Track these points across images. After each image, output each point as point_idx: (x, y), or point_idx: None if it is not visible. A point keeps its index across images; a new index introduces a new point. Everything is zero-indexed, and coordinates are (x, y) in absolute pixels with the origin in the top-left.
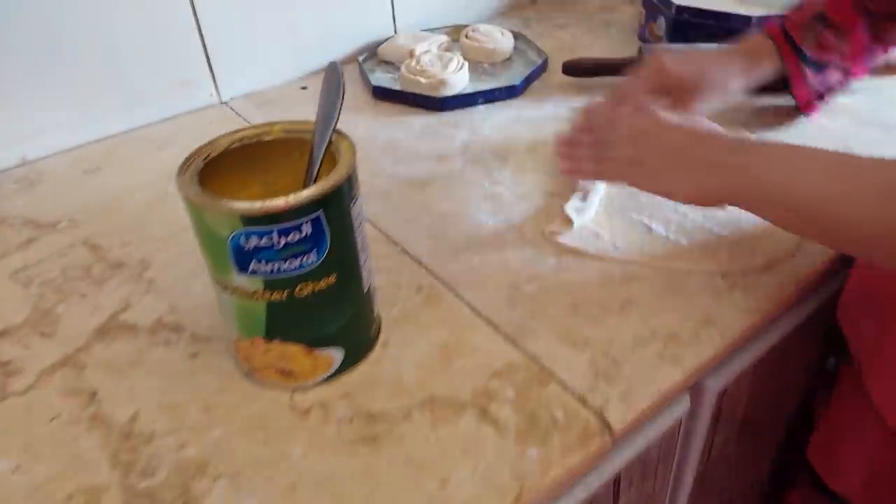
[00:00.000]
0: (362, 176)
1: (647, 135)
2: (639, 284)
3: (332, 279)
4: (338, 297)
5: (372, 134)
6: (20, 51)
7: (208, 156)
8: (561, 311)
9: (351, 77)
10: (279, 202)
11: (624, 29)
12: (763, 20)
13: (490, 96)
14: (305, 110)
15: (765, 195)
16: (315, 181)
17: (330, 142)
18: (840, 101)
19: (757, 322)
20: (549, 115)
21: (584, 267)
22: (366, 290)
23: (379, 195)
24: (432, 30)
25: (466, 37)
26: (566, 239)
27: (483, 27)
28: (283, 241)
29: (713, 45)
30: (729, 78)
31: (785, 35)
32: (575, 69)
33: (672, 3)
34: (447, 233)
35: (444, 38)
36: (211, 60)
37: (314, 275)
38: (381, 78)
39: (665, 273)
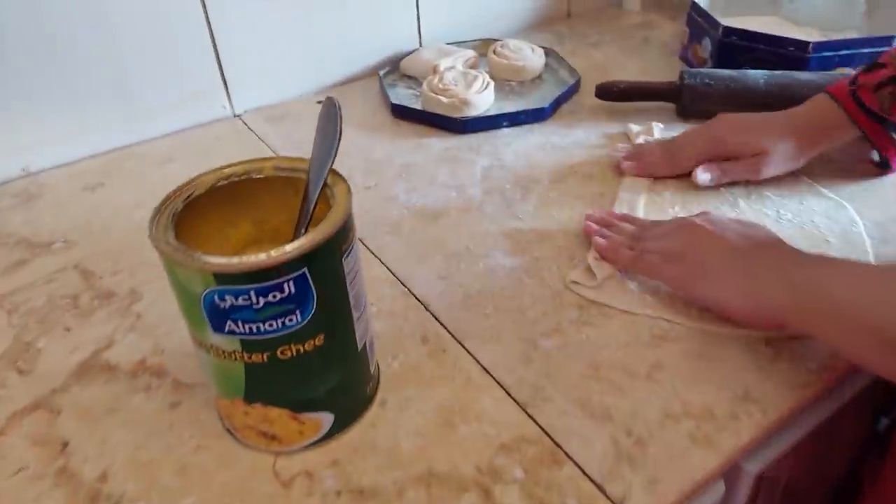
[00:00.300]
0: (373, 203)
1: (698, 230)
2: (669, 347)
3: (319, 340)
4: (326, 359)
5: (388, 156)
6: (22, 58)
7: (190, 196)
8: (581, 373)
9: (371, 92)
10: (258, 259)
11: (664, 49)
12: (821, 46)
13: (515, 119)
14: None
15: (835, 314)
16: (308, 226)
17: (325, 184)
18: None
19: (805, 399)
20: (578, 141)
21: (608, 322)
22: (360, 347)
23: (389, 226)
24: (459, 43)
25: (494, 52)
26: (590, 291)
27: (513, 43)
28: (262, 301)
29: (773, 113)
30: (795, 153)
31: (857, 102)
32: (608, 92)
33: (719, 24)
34: (460, 274)
35: (470, 54)
36: (224, 71)
37: (298, 336)
38: (402, 94)
39: (700, 334)
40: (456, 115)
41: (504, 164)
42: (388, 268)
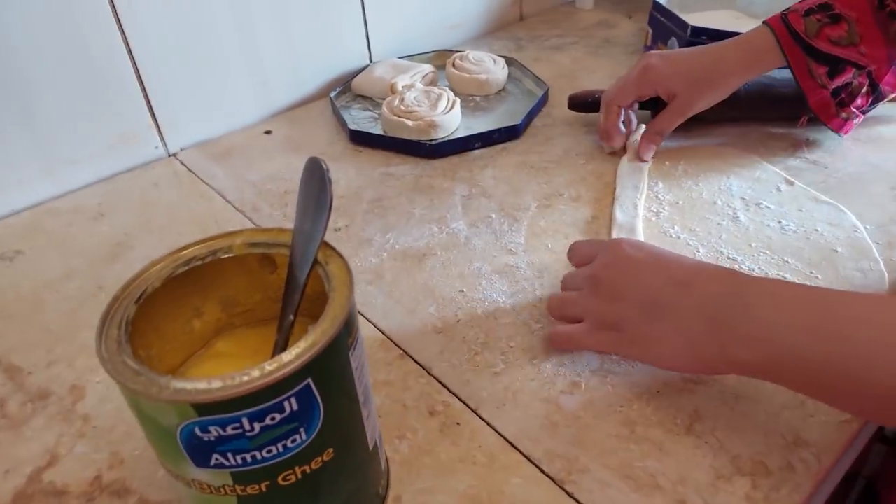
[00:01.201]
0: (348, 249)
1: (604, 282)
2: (704, 391)
3: (328, 455)
4: (336, 474)
5: (355, 190)
6: None
7: (143, 294)
8: (614, 434)
9: (323, 117)
10: (250, 379)
11: (627, 48)
12: None
13: (488, 139)
14: (271, 161)
15: (782, 363)
16: (296, 314)
17: (315, 260)
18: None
19: (852, 434)
20: (557, 159)
21: (632, 368)
22: (371, 447)
23: (370, 275)
24: (412, 57)
25: (454, 66)
26: None
27: (473, 54)
28: (257, 427)
29: (704, 48)
30: (726, 75)
31: (786, 25)
32: (582, 104)
33: (687, 25)
34: (459, 325)
35: (428, 69)
36: (154, 107)
37: (303, 457)
38: (359, 117)
39: None
40: (424, 138)
41: (485, 191)
42: (376, 326)
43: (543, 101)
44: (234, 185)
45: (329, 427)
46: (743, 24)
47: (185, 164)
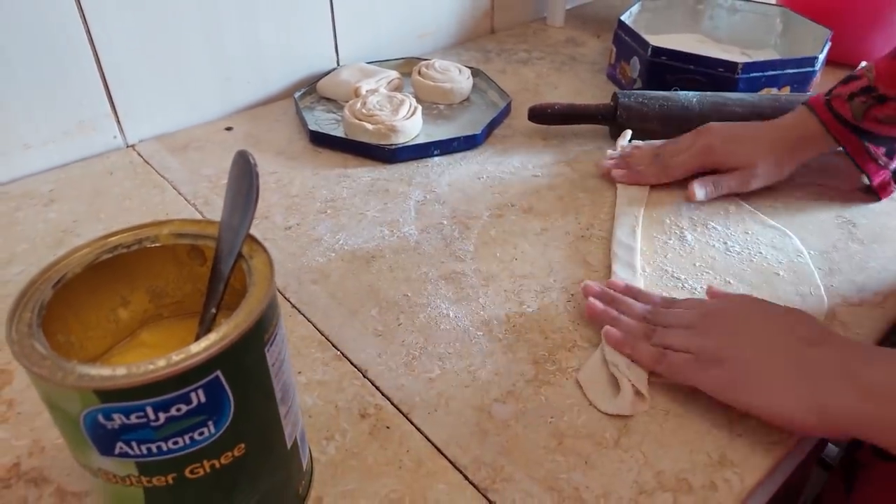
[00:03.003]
0: (296, 247)
1: (728, 320)
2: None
3: (239, 450)
4: (249, 470)
5: (310, 190)
6: None
7: (61, 279)
8: (542, 445)
9: (286, 117)
10: (154, 368)
11: (592, 67)
12: (750, 67)
13: (447, 147)
14: (228, 156)
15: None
16: (219, 307)
17: (240, 255)
18: None
19: (780, 458)
20: (514, 170)
21: (567, 379)
22: (290, 445)
23: (315, 274)
24: (380, 63)
25: (420, 74)
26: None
27: (439, 63)
28: (162, 417)
29: (757, 123)
30: (780, 163)
31: (831, 111)
32: (543, 116)
33: (648, 45)
34: (400, 329)
35: (393, 75)
36: (113, 97)
37: (212, 450)
38: (321, 119)
39: (665, 387)
40: (383, 142)
41: (439, 197)
42: (315, 326)
43: (505, 112)
44: (189, 178)
45: (241, 422)
46: (707, 47)
47: (141, 156)
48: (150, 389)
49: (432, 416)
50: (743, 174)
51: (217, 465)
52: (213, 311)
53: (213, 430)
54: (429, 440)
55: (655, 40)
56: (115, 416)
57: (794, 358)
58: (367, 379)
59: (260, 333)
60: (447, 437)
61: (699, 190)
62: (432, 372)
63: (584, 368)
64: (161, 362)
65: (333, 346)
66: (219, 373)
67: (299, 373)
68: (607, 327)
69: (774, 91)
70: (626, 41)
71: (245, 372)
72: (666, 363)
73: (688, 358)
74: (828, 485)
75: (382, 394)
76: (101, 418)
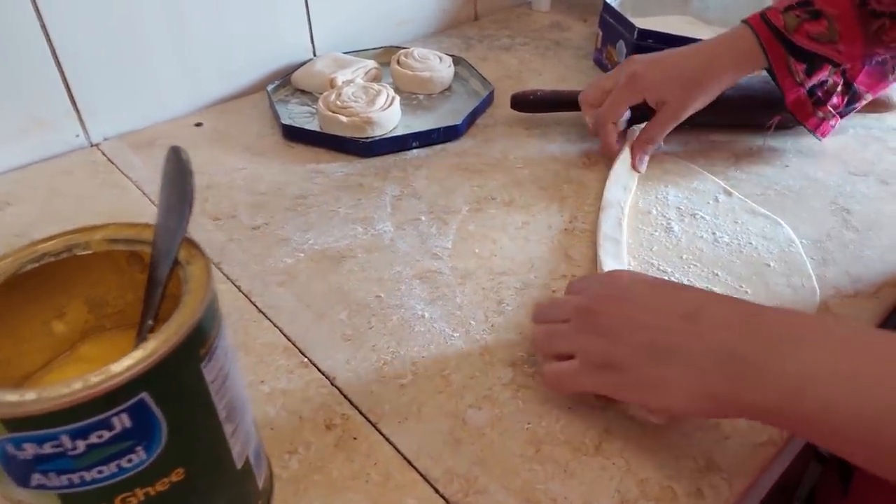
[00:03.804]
0: (262, 247)
1: (601, 317)
2: (618, 407)
3: (177, 475)
4: (193, 495)
5: (280, 187)
6: None
7: None
8: (518, 454)
9: (259, 111)
10: (68, 391)
11: (578, 52)
12: None
13: (426, 139)
14: (195, 154)
15: (803, 410)
16: (157, 319)
17: (176, 261)
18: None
19: (768, 459)
20: (495, 162)
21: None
22: (241, 465)
23: (282, 276)
24: (358, 52)
25: (398, 63)
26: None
27: (418, 51)
28: (81, 445)
29: (683, 47)
30: (716, 78)
31: (766, 22)
32: (523, 102)
33: (634, 27)
34: (370, 333)
35: (371, 65)
36: (73, 93)
37: (146, 477)
38: (296, 112)
39: None
40: (358, 135)
41: (416, 192)
42: (281, 331)
43: (488, 101)
44: (153, 177)
45: (177, 445)
46: (697, 29)
47: (105, 154)
48: (65, 416)
49: (403, 424)
50: (671, 106)
51: (153, 493)
52: (151, 322)
53: (143, 455)
54: (398, 451)
55: (643, 23)
56: (27, 445)
57: (672, 348)
58: (335, 387)
59: (194, 348)
60: (418, 447)
61: (640, 163)
62: (404, 377)
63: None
64: (77, 384)
65: (300, 352)
66: (145, 395)
67: (262, 382)
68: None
69: (764, 74)
70: (611, 24)
71: (178, 391)
72: (561, 382)
73: (577, 368)
74: (823, 478)
75: (350, 402)
76: (11, 449)
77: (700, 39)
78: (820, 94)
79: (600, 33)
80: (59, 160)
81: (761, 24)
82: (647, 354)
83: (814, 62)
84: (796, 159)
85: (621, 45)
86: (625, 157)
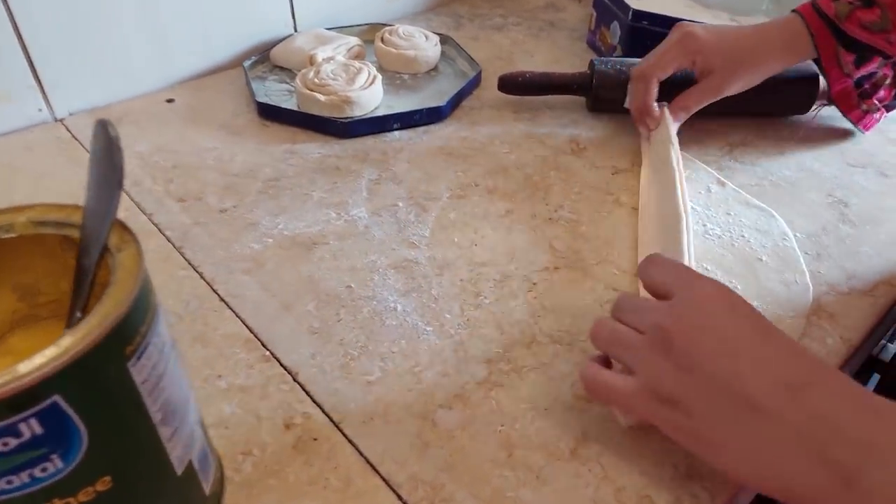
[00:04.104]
0: (229, 232)
1: (691, 350)
2: (596, 410)
3: (103, 485)
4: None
5: (252, 168)
6: None
7: None
8: (489, 459)
9: (235, 88)
10: None
11: (572, 34)
12: None
13: (408, 120)
14: (164, 131)
15: None
16: (85, 311)
17: (106, 247)
18: None
19: None
20: (480, 146)
21: (522, 381)
22: (182, 471)
23: (248, 263)
24: (343, 29)
25: (382, 40)
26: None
27: (404, 29)
28: None
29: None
30: (767, 61)
31: (816, 10)
32: (511, 84)
33: (629, 8)
34: (339, 326)
35: (354, 42)
36: (35, 65)
37: (65, 487)
38: (273, 90)
39: None
40: (337, 115)
41: (396, 176)
42: (243, 322)
43: (475, 82)
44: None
45: (100, 452)
46: (695, 12)
47: (70, 130)
48: None
49: (367, 425)
50: (716, 78)
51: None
52: (79, 315)
53: (60, 464)
54: (361, 454)
55: (639, 4)
56: None
57: (761, 418)
58: (297, 383)
59: (119, 345)
60: (382, 450)
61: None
62: (372, 374)
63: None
64: None
65: (262, 345)
66: (58, 397)
67: (219, 377)
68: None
69: None
70: (606, 5)
71: (100, 393)
72: (617, 403)
73: (641, 391)
74: None
75: (313, 400)
76: None
77: (699, 22)
78: (867, 86)
79: (594, 14)
80: (20, 135)
81: (812, 12)
82: (729, 409)
83: (864, 53)
84: (794, 150)
85: (615, 26)
86: (663, 133)
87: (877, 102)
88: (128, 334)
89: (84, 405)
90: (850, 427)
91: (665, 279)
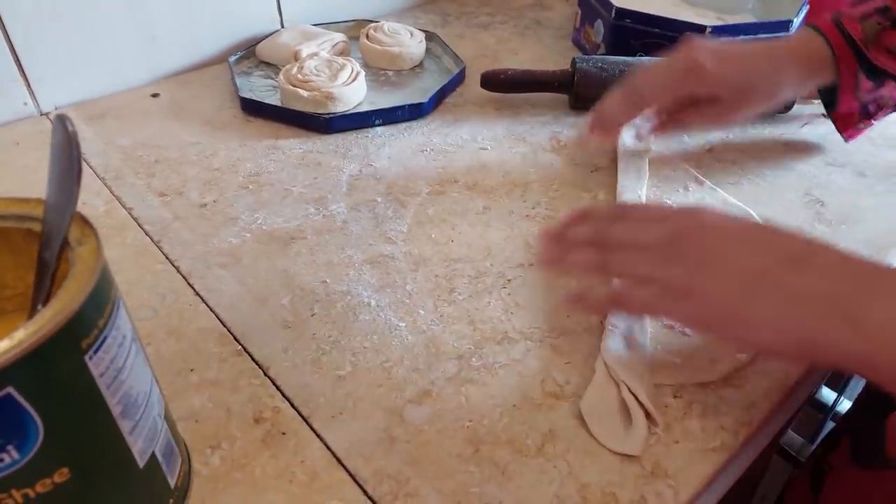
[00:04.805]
0: (208, 227)
1: (697, 246)
2: (565, 407)
3: (62, 475)
4: (83, 497)
5: (234, 163)
6: None
7: None
8: (455, 454)
9: (220, 83)
10: None
11: (558, 32)
12: (719, 30)
13: (390, 116)
14: (148, 126)
15: None
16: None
17: (66, 241)
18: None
19: (719, 465)
20: (462, 142)
21: (493, 377)
22: (144, 464)
23: (225, 257)
24: (329, 25)
25: (367, 37)
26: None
27: (389, 25)
28: None
29: (748, 42)
30: (781, 88)
31: (841, 32)
32: (494, 81)
33: (612, 6)
34: (312, 321)
35: (339, 38)
36: (21, 59)
37: (22, 478)
38: (258, 86)
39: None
40: (319, 111)
41: (376, 172)
42: (217, 316)
43: (459, 79)
44: (102, 150)
45: (57, 444)
46: (681, 11)
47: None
48: None
49: (336, 419)
50: (724, 107)
51: (32, 494)
52: (40, 307)
53: (16, 455)
54: (328, 448)
55: (623, 2)
56: None
57: (772, 286)
58: (268, 377)
59: (75, 339)
60: (350, 444)
61: (647, 134)
62: (342, 369)
63: (586, 394)
64: None
65: (235, 339)
66: (11, 389)
67: (191, 370)
68: (562, 292)
69: None
70: (590, 3)
71: (55, 386)
72: (626, 305)
73: (652, 293)
74: (793, 483)
75: (283, 394)
76: None
77: (677, 21)
78: (871, 108)
79: (579, 12)
80: (5, 129)
81: (835, 32)
82: (741, 288)
83: (883, 80)
84: (773, 148)
85: (599, 24)
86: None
87: (874, 123)
88: (84, 327)
89: (39, 397)
90: (853, 278)
91: (658, 212)
